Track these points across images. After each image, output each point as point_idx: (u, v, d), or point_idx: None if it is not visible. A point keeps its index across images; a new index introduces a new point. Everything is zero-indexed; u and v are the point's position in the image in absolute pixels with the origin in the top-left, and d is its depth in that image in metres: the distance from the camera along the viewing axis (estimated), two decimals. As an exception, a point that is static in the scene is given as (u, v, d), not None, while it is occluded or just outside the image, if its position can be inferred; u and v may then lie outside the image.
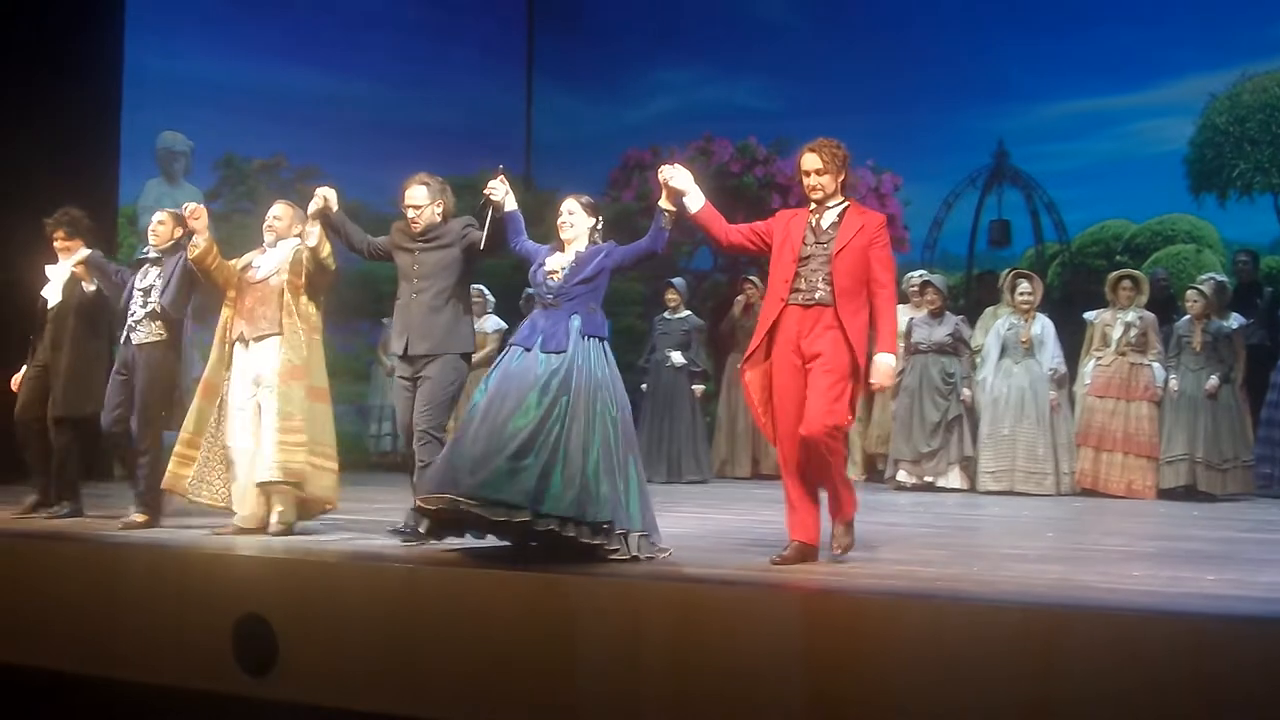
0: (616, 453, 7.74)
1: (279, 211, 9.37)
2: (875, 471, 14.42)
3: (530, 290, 8.92)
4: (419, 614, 7.39)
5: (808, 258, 7.63)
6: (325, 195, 8.83)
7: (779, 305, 7.67)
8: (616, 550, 7.59)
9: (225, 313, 9.36)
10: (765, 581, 6.99)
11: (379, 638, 7.45)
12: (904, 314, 13.91)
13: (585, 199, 8.22)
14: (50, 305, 10.30)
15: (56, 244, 10.31)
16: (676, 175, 7.79)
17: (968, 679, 5.94)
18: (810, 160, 7.71)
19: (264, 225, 9.43)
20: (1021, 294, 13.23)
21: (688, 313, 14.75)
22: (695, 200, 7.81)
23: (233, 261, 9.40)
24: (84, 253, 10.23)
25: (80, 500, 10.24)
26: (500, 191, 8.35)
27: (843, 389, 7.52)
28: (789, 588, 6.85)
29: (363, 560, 8.00)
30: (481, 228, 8.48)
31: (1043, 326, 13.20)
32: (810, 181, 7.70)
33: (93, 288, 10.16)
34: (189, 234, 9.44)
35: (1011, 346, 13.16)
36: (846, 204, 7.75)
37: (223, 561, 8.36)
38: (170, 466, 9.27)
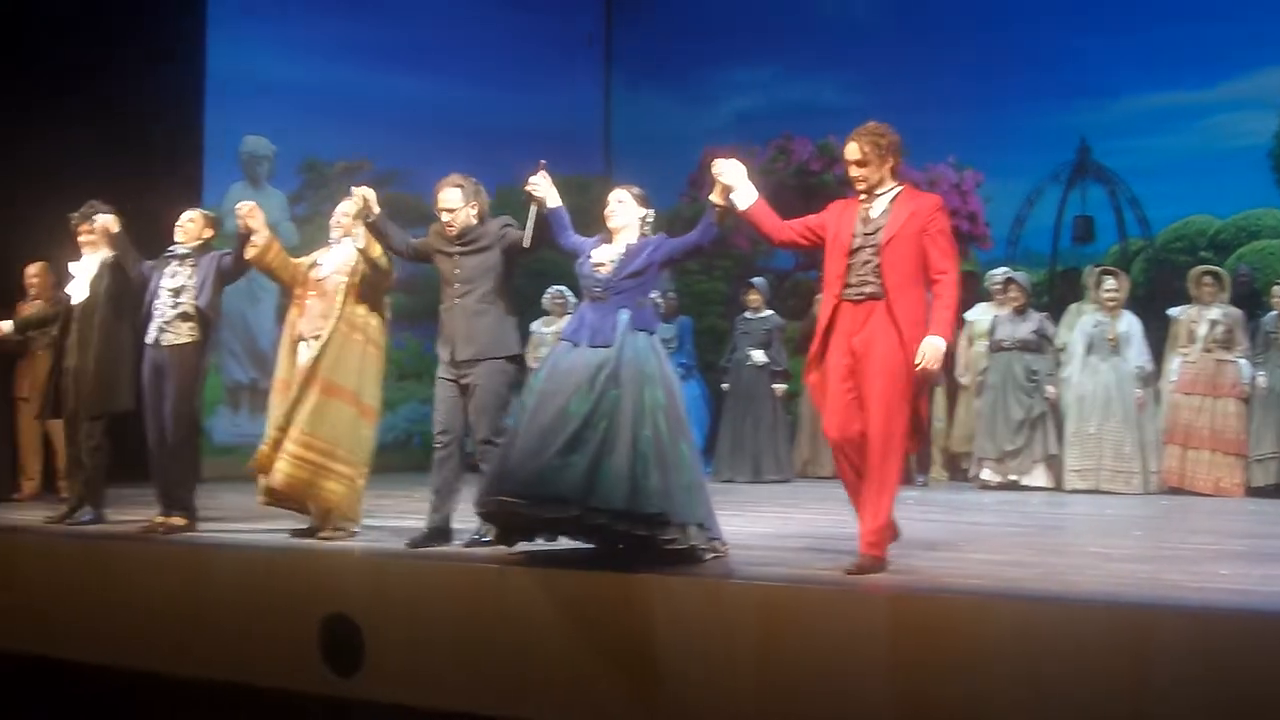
0: (668, 444, 7.62)
1: (345, 208, 9.22)
2: (959, 470, 14.36)
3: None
4: (505, 615, 7.42)
5: (858, 249, 7.27)
6: (365, 195, 8.66)
7: (833, 302, 7.35)
8: (674, 540, 7.50)
9: (292, 311, 9.37)
10: (850, 582, 6.97)
11: (465, 638, 7.49)
12: (987, 311, 13.88)
13: (635, 189, 8.12)
14: (75, 303, 10.10)
15: (81, 239, 10.14)
16: (727, 169, 7.58)
17: (1055, 680, 5.91)
18: (850, 150, 7.38)
19: (330, 222, 9.39)
20: (1107, 291, 13.12)
21: (769, 312, 14.71)
22: (745, 196, 7.57)
23: (300, 259, 9.42)
24: (106, 255, 10.02)
25: (103, 505, 10.02)
26: (543, 188, 8.23)
27: (897, 392, 7.15)
28: (874, 589, 6.82)
29: (450, 560, 8.04)
30: (524, 226, 8.40)
31: (1129, 324, 13.09)
32: (852, 173, 7.40)
33: (110, 281, 9.93)
34: (216, 237, 9.49)
35: (1098, 344, 13.06)
36: (898, 190, 7.37)
37: (310, 562, 8.42)
38: (264, 448, 9.10)
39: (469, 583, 7.70)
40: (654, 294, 8.54)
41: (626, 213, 8.02)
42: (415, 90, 16.45)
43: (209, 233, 9.75)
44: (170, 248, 9.73)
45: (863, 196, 7.39)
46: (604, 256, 7.95)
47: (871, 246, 7.24)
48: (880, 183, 7.36)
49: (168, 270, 9.64)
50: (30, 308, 11.63)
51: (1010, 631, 6.13)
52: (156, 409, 9.54)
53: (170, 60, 14.42)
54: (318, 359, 8.97)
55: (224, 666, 8.29)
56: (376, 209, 8.71)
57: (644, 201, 8.09)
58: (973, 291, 15.17)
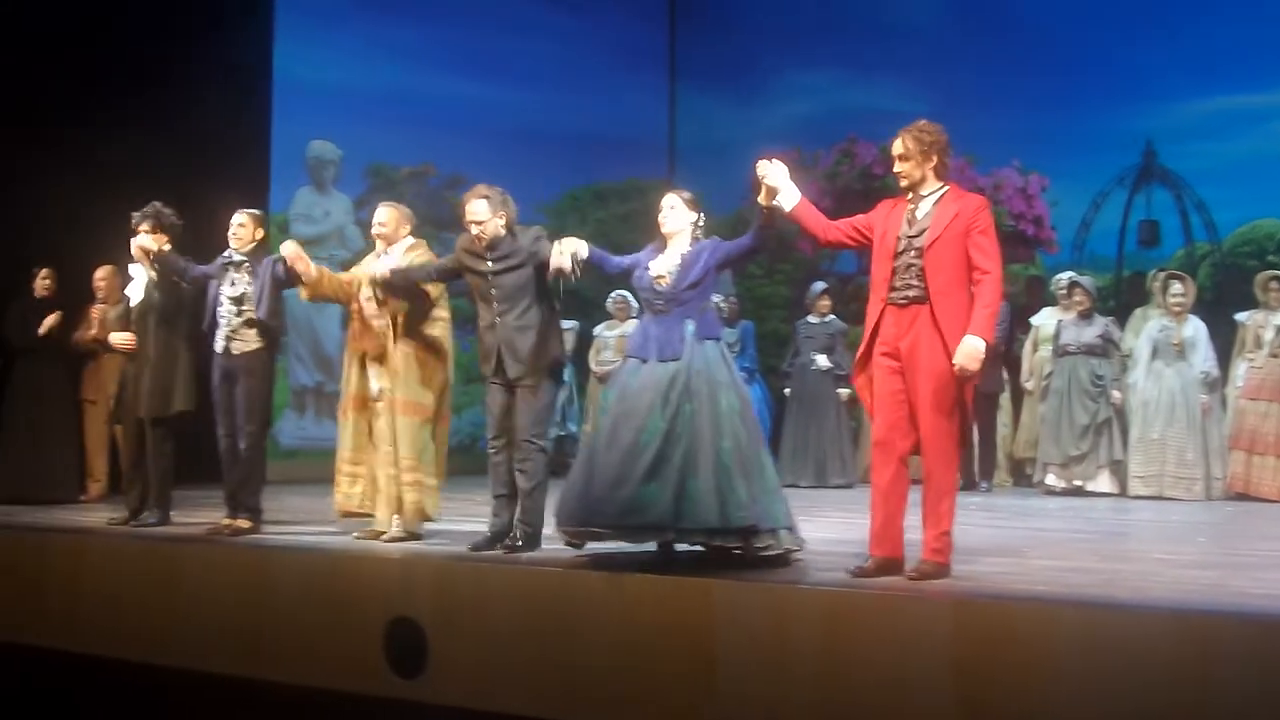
0: (748, 451, 7.64)
1: (383, 216, 9.25)
2: (1023, 476, 14.30)
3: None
4: (568, 618, 7.44)
5: (902, 252, 7.17)
6: (383, 271, 8.85)
7: (879, 306, 7.26)
8: (768, 547, 7.54)
9: (353, 325, 9.38)
10: (914, 588, 6.95)
11: (528, 641, 7.51)
12: (1052, 315, 13.82)
13: (686, 194, 8.07)
14: (133, 305, 10.19)
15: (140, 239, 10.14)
16: (770, 171, 7.49)
17: (1120, 686, 5.89)
18: (896, 145, 7.27)
19: (371, 233, 9.37)
20: (1174, 295, 13.03)
21: (832, 316, 14.69)
22: (789, 197, 7.45)
23: (353, 273, 9.43)
24: (167, 248, 10.02)
25: (169, 508, 10.11)
26: (567, 263, 8.08)
27: (946, 399, 7.10)
28: (937, 595, 6.80)
29: (513, 564, 8.06)
30: (557, 297, 8.46)
31: (1195, 329, 13.00)
32: (896, 168, 7.30)
33: (166, 283, 9.98)
34: (268, 237, 9.58)
35: (1163, 349, 12.97)
36: (944, 191, 7.25)
37: (374, 565, 8.47)
38: (340, 489, 9.27)
39: (532, 586, 7.72)
40: (716, 298, 8.54)
41: (679, 218, 7.98)
42: (479, 95, 16.53)
43: (260, 233, 9.81)
44: (225, 254, 9.78)
45: (909, 196, 7.30)
46: (661, 268, 7.92)
47: (915, 249, 7.15)
48: (923, 180, 7.24)
49: (227, 278, 9.70)
50: (98, 312, 11.73)
51: (1074, 638, 6.10)
52: (228, 414, 9.62)
53: (239, 66, 14.55)
54: (388, 383, 9.08)
55: (288, 669, 8.34)
56: (388, 274, 8.81)
57: (695, 206, 8.04)
58: (1038, 296, 15.15)
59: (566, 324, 15.18)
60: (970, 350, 6.97)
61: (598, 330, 15.44)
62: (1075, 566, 7.90)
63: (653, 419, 7.57)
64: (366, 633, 7.99)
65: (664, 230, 8.00)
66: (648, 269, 7.96)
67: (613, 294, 15.32)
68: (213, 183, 13.43)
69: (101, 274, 11.85)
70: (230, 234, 9.77)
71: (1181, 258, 16.15)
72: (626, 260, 8.19)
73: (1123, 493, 12.99)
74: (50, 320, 11.84)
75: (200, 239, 10.22)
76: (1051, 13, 16.50)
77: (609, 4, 17.95)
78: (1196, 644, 5.86)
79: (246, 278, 9.66)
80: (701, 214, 8.07)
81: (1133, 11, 16.03)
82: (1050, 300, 14.31)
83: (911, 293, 7.15)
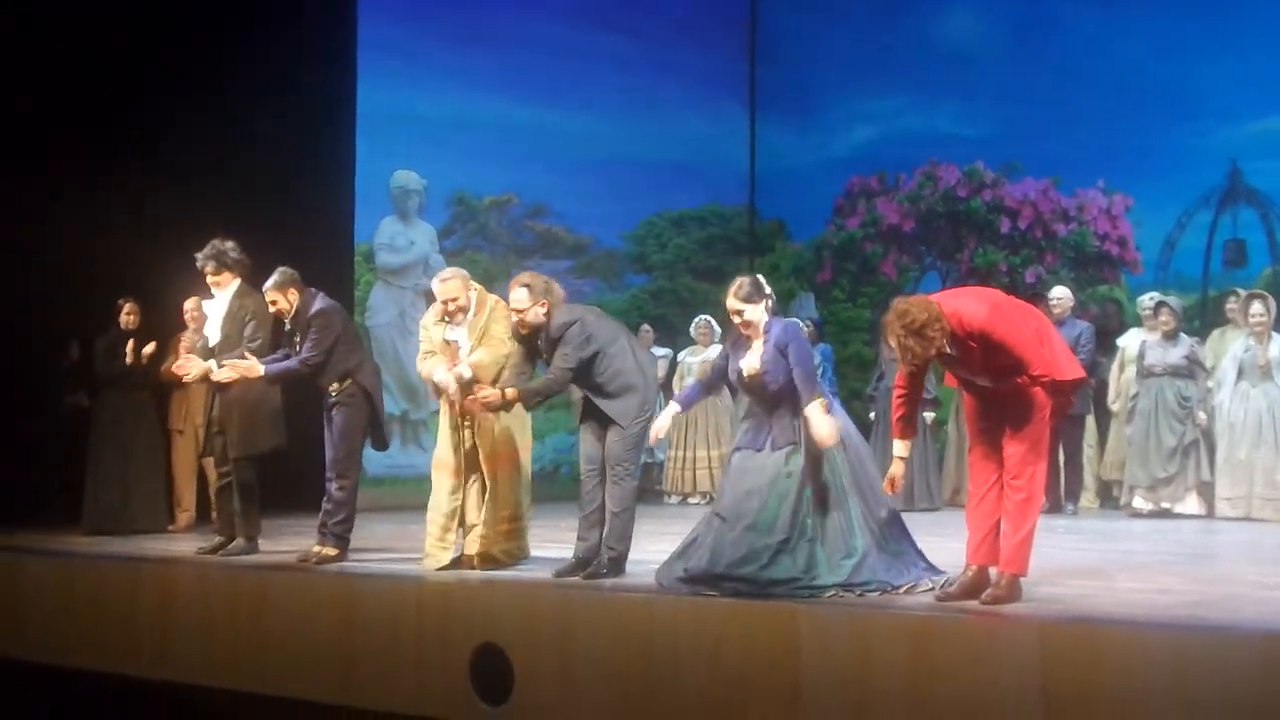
0: (873, 509, 7.87)
1: (451, 291, 9.15)
2: (1110, 498, 14.19)
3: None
4: (653, 644, 7.47)
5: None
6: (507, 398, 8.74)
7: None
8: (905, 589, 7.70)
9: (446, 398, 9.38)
10: (1001, 611, 6.93)
11: (613, 667, 7.54)
12: (1137, 336, 13.71)
13: (744, 289, 7.94)
14: (212, 344, 10.18)
15: (208, 280, 10.20)
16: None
17: (1209, 711, 5.85)
18: (894, 343, 7.37)
19: (442, 304, 9.26)
20: (1255, 316, 12.89)
21: (916, 340, 14.60)
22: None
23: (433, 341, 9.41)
24: (235, 285, 10.13)
25: (257, 537, 10.17)
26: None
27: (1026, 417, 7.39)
28: (1025, 618, 6.79)
29: (598, 589, 8.09)
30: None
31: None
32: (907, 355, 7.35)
33: (242, 322, 10.02)
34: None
35: (1249, 369, 12.83)
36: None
37: (460, 592, 8.52)
38: (431, 552, 9.27)
39: (617, 612, 7.75)
40: (803, 320, 8.57)
41: (753, 316, 7.94)
42: (560, 124, 16.59)
43: (293, 294, 9.65)
44: (285, 325, 9.77)
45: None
46: (751, 365, 7.92)
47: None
48: (935, 351, 7.27)
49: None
50: (187, 342, 11.82)
51: (1162, 662, 6.07)
52: (328, 445, 9.70)
53: (323, 99, 14.69)
54: (474, 446, 9.18)
55: (376, 696, 8.40)
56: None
57: (760, 291, 7.97)
58: (1117, 318, 15.08)
59: (659, 351, 15.29)
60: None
61: (682, 356, 15.46)
62: (1162, 589, 7.85)
63: (774, 501, 7.70)
64: (453, 659, 8.04)
65: (747, 333, 8.00)
66: (740, 369, 7.98)
67: (696, 319, 15.33)
68: (299, 214, 13.63)
69: (190, 304, 11.95)
70: (273, 313, 9.81)
71: (1269, 276, 15.96)
72: (713, 378, 8.41)
73: (1210, 514, 12.86)
74: (146, 349, 11.94)
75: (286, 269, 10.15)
76: (1126, 35, 16.35)
77: (687, 35, 17.99)
78: (1286, 667, 5.82)
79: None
80: (767, 296, 8.03)
81: (1207, 30, 15.89)
82: (1134, 321, 14.20)
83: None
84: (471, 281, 9.29)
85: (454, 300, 9.14)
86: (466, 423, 9.20)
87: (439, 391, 9.24)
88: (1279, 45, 15.41)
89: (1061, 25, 16.78)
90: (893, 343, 7.30)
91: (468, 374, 8.99)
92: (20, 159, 12.83)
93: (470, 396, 8.79)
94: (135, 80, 13.46)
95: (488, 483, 9.15)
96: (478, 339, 9.14)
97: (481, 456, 9.15)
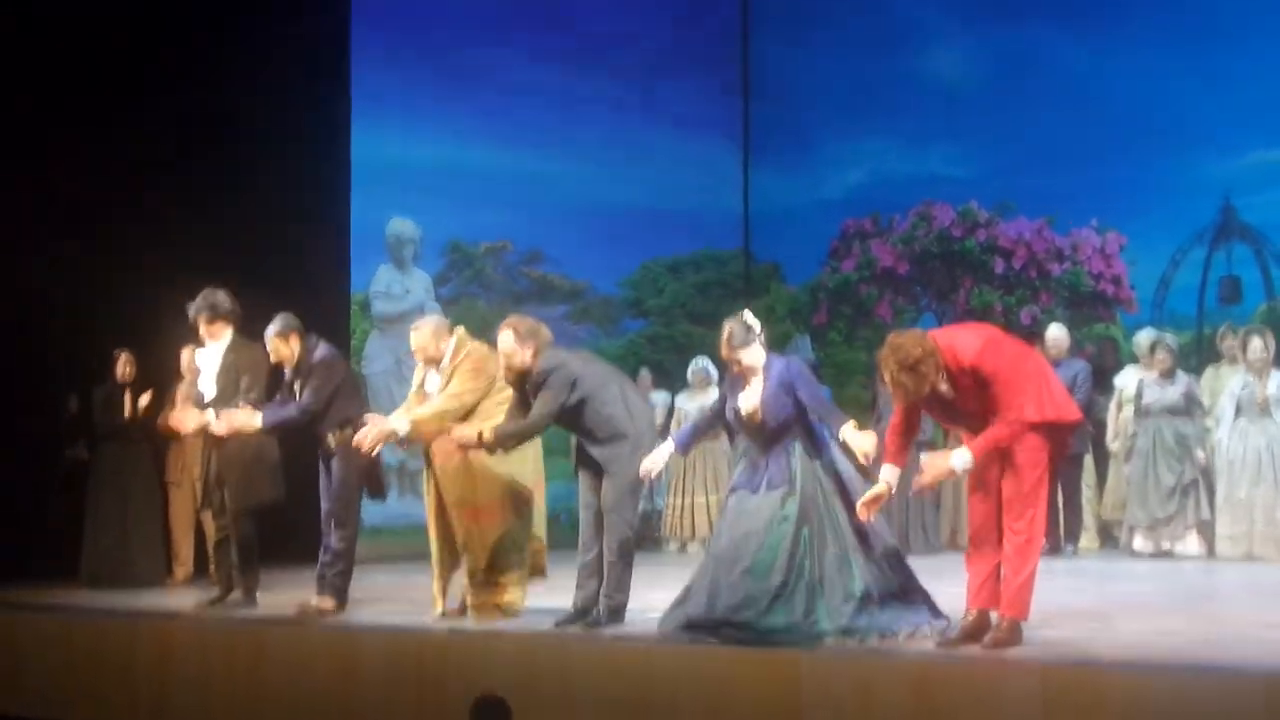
0: (873, 552, 7.84)
1: (417, 342, 9.23)
2: (1111, 538, 14.16)
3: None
4: (654, 692, 7.44)
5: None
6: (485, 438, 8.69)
7: None
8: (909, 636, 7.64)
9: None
10: (1003, 655, 6.91)
11: (613, 717, 7.51)
12: (1134, 375, 13.70)
13: (736, 336, 7.94)
14: (208, 398, 10.10)
15: (201, 331, 10.14)
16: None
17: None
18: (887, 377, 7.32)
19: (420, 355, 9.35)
20: (1254, 352, 12.87)
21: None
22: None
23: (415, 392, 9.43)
24: (229, 336, 10.08)
25: (256, 590, 10.11)
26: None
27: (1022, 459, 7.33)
28: (1027, 661, 6.77)
29: (598, 640, 8.07)
30: None
31: (1278, 385, 12.85)
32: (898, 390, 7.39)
33: (237, 376, 9.95)
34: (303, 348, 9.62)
35: (1247, 406, 12.81)
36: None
37: (460, 642, 8.49)
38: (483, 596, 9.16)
39: (617, 661, 7.73)
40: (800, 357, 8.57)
41: (749, 356, 7.96)
42: (553, 170, 16.64)
43: (295, 342, 9.64)
44: (286, 374, 9.76)
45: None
46: (748, 404, 7.94)
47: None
48: (929, 387, 7.28)
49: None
50: (183, 393, 11.81)
51: (1166, 703, 6.06)
52: (324, 495, 9.67)
53: (317, 147, 14.71)
54: (444, 494, 9.17)
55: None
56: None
57: (749, 330, 7.98)
58: (1113, 356, 15.08)
59: (657, 397, 15.26)
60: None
61: (679, 401, 15.44)
62: (1164, 630, 7.84)
63: (771, 544, 7.67)
64: (452, 711, 7.99)
65: (742, 371, 8.01)
66: (738, 407, 7.99)
67: (694, 363, 15.33)
68: (294, 263, 13.62)
69: (186, 355, 11.94)
70: (274, 362, 9.80)
71: (1264, 313, 15.98)
72: (709, 417, 8.50)
73: (1211, 554, 12.83)
74: (142, 400, 11.94)
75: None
76: (1116, 72, 16.38)
77: (678, 79, 18.05)
78: (1290, 708, 5.80)
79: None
80: (757, 325, 8.05)
81: (1197, 65, 15.93)
82: (1130, 359, 14.21)
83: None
84: (454, 330, 9.29)
85: (422, 350, 9.19)
86: (430, 471, 9.23)
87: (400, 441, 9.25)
88: (1269, 79, 15.45)
89: (1051, 63, 16.84)
90: (886, 378, 7.28)
91: (402, 430, 9.00)
92: (14, 211, 12.85)
93: (445, 435, 8.80)
94: (131, 130, 13.47)
95: (459, 532, 9.07)
96: (440, 390, 9.18)
97: (448, 504, 9.11)
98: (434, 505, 9.27)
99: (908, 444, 7.70)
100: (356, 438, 9.08)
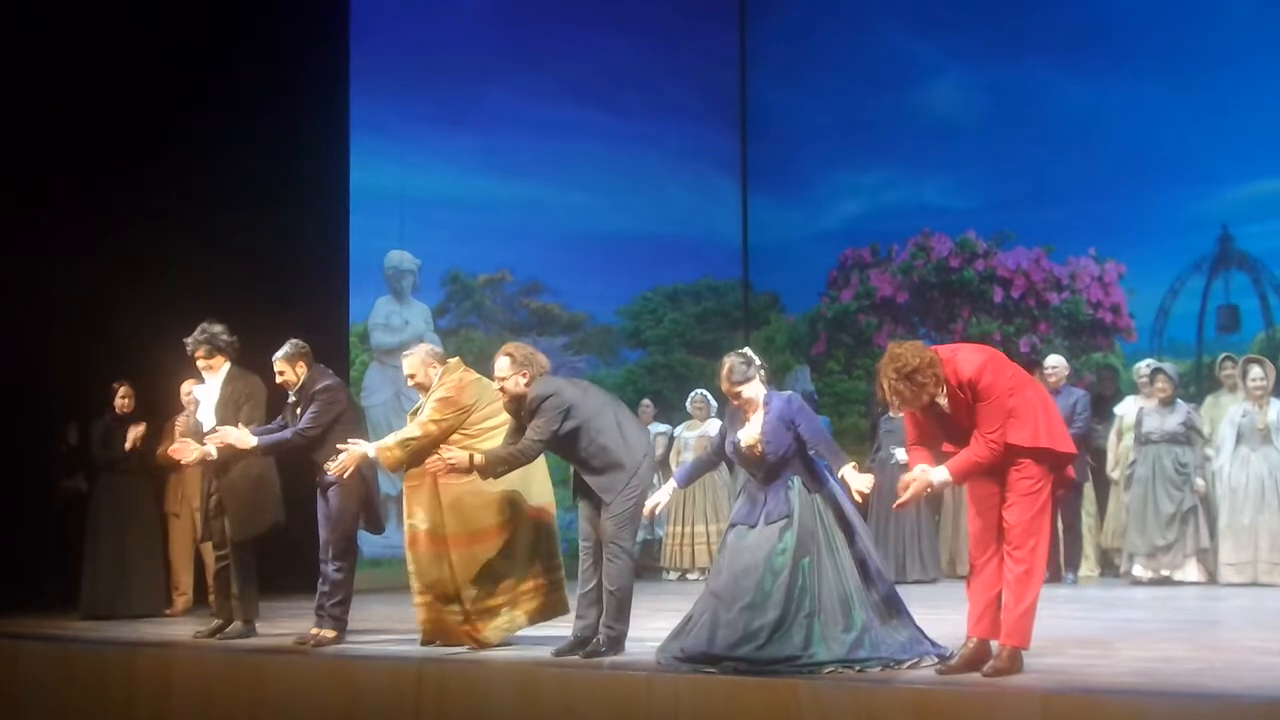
0: (875, 583, 7.81)
1: (408, 369, 9.32)
2: (1111, 566, 14.15)
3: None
4: (654, 722, 7.43)
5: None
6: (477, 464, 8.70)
7: None
8: (909, 665, 7.59)
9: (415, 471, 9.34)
10: (1004, 683, 6.90)
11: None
12: (1134, 403, 13.71)
13: (735, 372, 7.96)
14: (207, 430, 10.04)
15: (199, 364, 10.15)
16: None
17: (1215, 779, 5.82)
18: (889, 394, 7.34)
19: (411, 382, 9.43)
20: (1254, 380, 12.90)
21: (912, 410, 14.60)
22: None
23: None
24: (226, 368, 10.09)
25: (255, 619, 10.10)
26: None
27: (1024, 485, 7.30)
28: (1028, 689, 6.76)
29: (597, 669, 8.06)
30: None
31: (1278, 412, 12.86)
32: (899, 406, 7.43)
33: (235, 408, 9.96)
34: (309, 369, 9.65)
35: (1248, 434, 12.83)
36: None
37: (459, 671, 8.48)
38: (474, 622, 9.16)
39: (616, 691, 7.71)
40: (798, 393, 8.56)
41: (750, 390, 7.96)
42: (552, 201, 16.71)
43: (301, 366, 9.67)
44: (290, 397, 9.77)
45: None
46: (750, 437, 7.93)
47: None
48: (926, 398, 7.29)
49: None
50: (183, 425, 11.80)
51: (1167, 731, 6.05)
52: (322, 526, 9.65)
53: (316, 180, 14.75)
54: (440, 523, 9.12)
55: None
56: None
57: (749, 365, 8.00)
58: (1112, 385, 15.09)
59: (658, 428, 15.26)
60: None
61: (678, 431, 15.45)
62: (1165, 657, 7.82)
63: (768, 578, 7.64)
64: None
65: (743, 406, 8.01)
66: (738, 440, 7.97)
67: (692, 394, 15.33)
68: (293, 295, 13.64)
69: (187, 387, 11.94)
70: (279, 383, 9.80)
71: (1263, 341, 15.99)
72: (710, 454, 8.47)
73: (1211, 581, 12.83)
74: (134, 433, 11.94)
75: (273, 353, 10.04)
76: (1112, 103, 16.44)
77: (677, 111, 18.10)
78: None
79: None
80: (757, 361, 8.07)
81: (1193, 96, 15.97)
82: (1130, 387, 14.21)
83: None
84: (445, 360, 9.36)
85: (412, 377, 9.30)
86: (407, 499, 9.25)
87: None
88: (1264, 109, 15.48)
89: (1049, 96, 16.89)
90: (885, 385, 7.26)
91: (371, 453, 9.11)
92: (15, 244, 12.88)
93: (434, 457, 8.78)
94: (130, 163, 13.51)
95: (454, 559, 9.05)
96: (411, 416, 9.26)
97: (423, 531, 9.10)
98: (410, 534, 9.26)
99: (934, 450, 7.60)
100: (335, 466, 9.12)
